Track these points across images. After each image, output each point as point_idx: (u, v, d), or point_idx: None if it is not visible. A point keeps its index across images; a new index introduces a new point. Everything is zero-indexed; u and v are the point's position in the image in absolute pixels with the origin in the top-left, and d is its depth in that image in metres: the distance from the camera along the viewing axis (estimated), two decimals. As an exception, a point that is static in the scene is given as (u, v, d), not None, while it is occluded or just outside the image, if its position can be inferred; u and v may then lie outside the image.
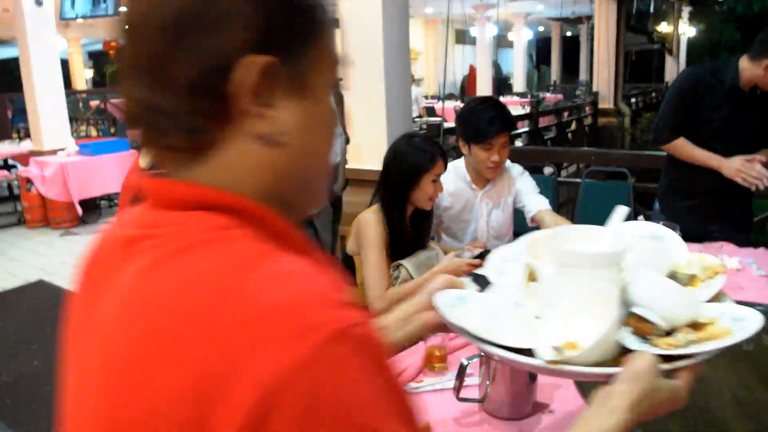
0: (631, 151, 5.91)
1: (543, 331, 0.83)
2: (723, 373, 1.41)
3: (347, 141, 3.73)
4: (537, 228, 2.34)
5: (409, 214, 2.06)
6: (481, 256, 2.14)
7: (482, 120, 2.25)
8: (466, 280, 0.97)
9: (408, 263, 1.98)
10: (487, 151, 2.27)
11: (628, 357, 0.75)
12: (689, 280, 0.91)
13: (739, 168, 2.46)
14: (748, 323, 0.76)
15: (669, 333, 0.79)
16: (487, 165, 2.29)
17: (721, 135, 2.58)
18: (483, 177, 2.38)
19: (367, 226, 1.96)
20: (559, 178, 4.11)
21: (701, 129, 2.61)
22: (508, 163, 2.46)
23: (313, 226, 2.51)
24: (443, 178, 2.40)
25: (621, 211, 1.01)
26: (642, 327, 0.80)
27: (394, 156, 2.04)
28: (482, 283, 0.97)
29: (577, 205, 3.64)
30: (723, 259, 2.23)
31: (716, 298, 0.88)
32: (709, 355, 0.73)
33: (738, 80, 2.53)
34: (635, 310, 0.81)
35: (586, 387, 1.36)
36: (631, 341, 0.78)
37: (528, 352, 0.81)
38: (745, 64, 2.51)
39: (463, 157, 2.44)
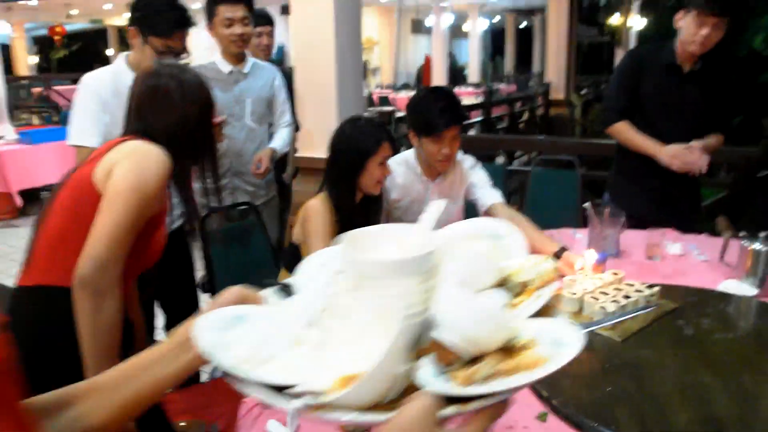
0: (581, 140, 5.99)
1: (326, 360, 0.65)
2: (667, 359, 1.42)
3: (297, 128, 3.65)
4: None
5: (358, 200, 2.01)
6: None
7: (432, 112, 2.18)
8: (269, 292, 0.81)
9: None
10: (438, 144, 2.21)
11: (408, 398, 0.60)
12: (521, 289, 0.77)
13: (673, 155, 2.47)
14: (567, 350, 0.63)
15: (478, 359, 0.65)
16: (438, 158, 2.24)
17: (666, 115, 2.58)
18: (434, 169, 2.35)
19: (313, 215, 1.91)
20: (510, 167, 4.13)
21: (646, 109, 2.62)
22: (460, 155, 2.41)
23: (258, 217, 2.44)
24: (393, 170, 2.36)
25: (436, 206, 0.80)
26: (444, 354, 0.65)
27: (339, 140, 1.99)
28: (288, 293, 0.80)
29: (527, 194, 3.66)
30: (666, 245, 2.27)
31: (548, 311, 0.75)
32: (513, 393, 0.60)
33: (675, 57, 2.54)
34: (434, 333, 0.66)
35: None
36: (427, 373, 0.63)
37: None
38: (679, 25, 2.49)
39: (413, 149, 2.38)
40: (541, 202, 3.54)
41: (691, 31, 2.43)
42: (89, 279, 1.32)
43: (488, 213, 2.31)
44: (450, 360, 0.64)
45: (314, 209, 1.93)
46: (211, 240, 2.26)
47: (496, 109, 9.97)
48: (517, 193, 4.24)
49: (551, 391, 1.27)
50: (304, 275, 0.82)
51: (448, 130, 2.19)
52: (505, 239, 0.89)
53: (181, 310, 2.33)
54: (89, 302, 1.33)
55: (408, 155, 2.39)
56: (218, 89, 2.65)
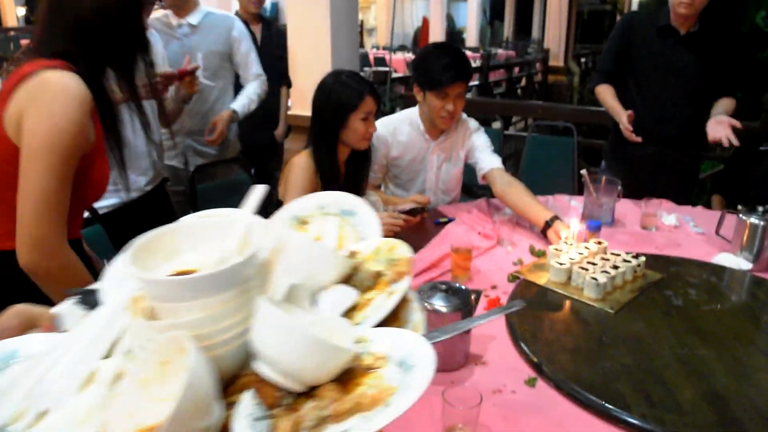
0: (578, 106, 5.94)
1: (123, 405, 0.50)
2: (660, 332, 1.40)
3: (289, 85, 3.57)
4: (487, 186, 2.29)
5: (345, 156, 1.95)
6: (416, 212, 2.07)
7: (437, 67, 2.13)
8: (67, 306, 0.65)
9: None
10: (442, 100, 2.17)
11: None
12: (373, 281, 0.66)
13: (626, 126, 2.39)
14: (417, 377, 0.51)
15: (311, 393, 0.53)
16: (441, 114, 2.19)
17: (659, 78, 2.51)
18: (437, 128, 2.29)
19: (294, 171, 1.85)
20: (506, 132, 4.08)
21: (639, 72, 2.55)
22: (464, 116, 2.37)
23: (249, 174, 2.39)
24: (396, 127, 2.30)
25: (258, 191, 0.67)
26: (267, 390, 0.53)
27: (320, 94, 1.92)
28: (92, 303, 0.64)
29: (522, 159, 3.62)
30: (662, 216, 2.24)
31: (402, 309, 0.63)
32: None
33: (669, 19, 2.47)
34: (253, 365, 0.55)
35: (521, 337, 1.33)
36: (243, 422, 0.50)
37: None
38: None
39: (417, 106, 2.33)
40: (536, 168, 3.51)
41: None
42: (34, 265, 1.22)
43: (486, 177, 2.27)
44: (275, 398, 0.52)
45: (296, 165, 1.88)
46: (199, 197, 2.20)
47: (493, 73, 9.80)
48: (513, 159, 4.20)
49: (545, 359, 1.25)
50: (112, 279, 0.64)
51: (453, 87, 2.15)
52: (357, 215, 0.77)
53: None
54: (46, 280, 1.24)
55: (411, 113, 2.35)
56: (170, 43, 2.55)
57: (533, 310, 1.50)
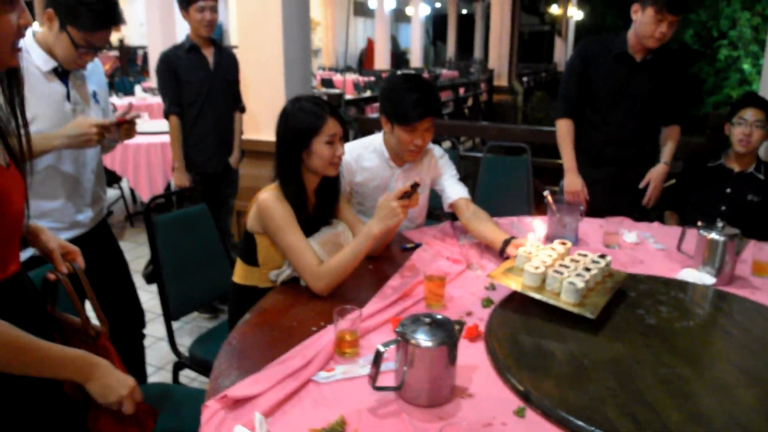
0: (530, 126, 6.08)
1: None
2: (640, 352, 1.40)
3: (242, 110, 3.50)
4: (453, 214, 2.29)
5: (314, 185, 1.90)
6: (411, 194, 1.93)
7: (407, 102, 2.10)
8: None
9: (314, 241, 1.85)
10: (410, 134, 2.14)
11: None
12: None
13: (572, 191, 2.66)
14: None
15: None
16: (409, 148, 2.17)
17: (615, 104, 2.64)
18: (403, 157, 2.28)
19: (271, 208, 1.77)
20: (462, 153, 4.13)
21: (596, 99, 2.68)
22: (429, 144, 2.36)
23: (207, 204, 2.31)
24: (360, 154, 2.27)
25: None
26: None
27: (281, 121, 1.85)
28: None
29: (478, 180, 3.65)
30: (623, 233, 2.28)
31: None
32: None
33: (626, 46, 2.60)
34: None
35: (503, 366, 1.31)
36: None
37: None
38: (635, 18, 2.54)
39: (382, 132, 2.30)
40: (492, 188, 3.55)
41: (649, 28, 2.48)
42: None
43: (453, 207, 2.28)
44: None
45: (269, 202, 1.78)
46: (156, 228, 2.11)
47: (440, 94, 10.02)
48: (469, 179, 4.23)
49: (531, 388, 1.23)
50: None
51: (422, 122, 2.13)
52: None
53: (122, 310, 2.18)
54: None
55: (376, 139, 2.32)
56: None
57: (512, 324, 1.48)
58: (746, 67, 15.54)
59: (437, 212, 2.83)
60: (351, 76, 11.61)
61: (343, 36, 16.90)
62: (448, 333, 1.21)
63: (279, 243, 1.78)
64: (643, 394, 1.22)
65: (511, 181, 3.55)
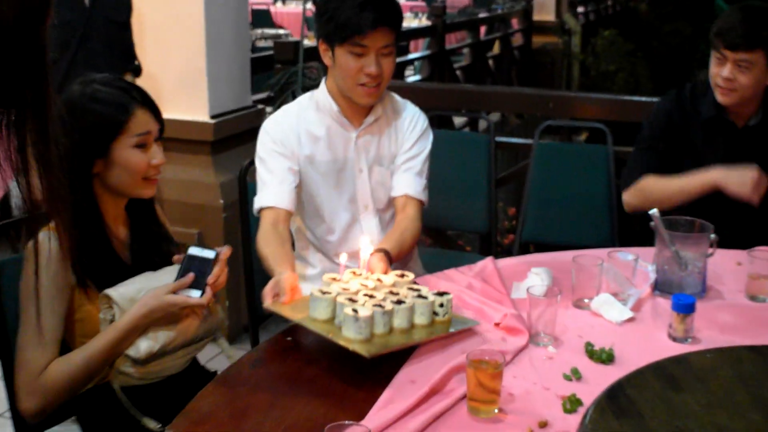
0: (613, 96, 4.16)
1: None
2: None
3: (137, 72, 2.68)
4: (492, 247, 1.61)
5: (120, 217, 1.36)
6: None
7: (350, 6, 1.55)
8: None
9: (116, 292, 1.23)
10: (359, 58, 1.57)
11: None
12: None
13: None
14: None
15: None
16: (359, 80, 1.58)
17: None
18: (356, 105, 1.67)
19: (41, 274, 1.20)
20: (500, 138, 2.75)
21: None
22: (399, 98, 1.78)
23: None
24: (300, 116, 1.69)
25: None
26: None
27: (66, 119, 1.21)
28: None
29: (528, 182, 2.42)
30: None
31: None
32: None
33: (714, 107, 1.85)
34: None
35: None
36: None
37: None
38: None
39: (322, 82, 1.73)
40: (553, 197, 2.42)
41: (712, 71, 1.82)
42: None
43: (395, 201, 1.73)
44: None
45: (39, 256, 1.18)
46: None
47: (451, 36, 6.80)
48: (509, 182, 2.93)
49: None
50: None
51: (374, 35, 1.56)
52: None
53: None
54: None
55: (312, 94, 1.74)
56: None
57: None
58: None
59: (451, 233, 2.04)
60: (297, 6, 7.33)
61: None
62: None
63: (20, 316, 1.24)
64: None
65: (581, 182, 2.39)
